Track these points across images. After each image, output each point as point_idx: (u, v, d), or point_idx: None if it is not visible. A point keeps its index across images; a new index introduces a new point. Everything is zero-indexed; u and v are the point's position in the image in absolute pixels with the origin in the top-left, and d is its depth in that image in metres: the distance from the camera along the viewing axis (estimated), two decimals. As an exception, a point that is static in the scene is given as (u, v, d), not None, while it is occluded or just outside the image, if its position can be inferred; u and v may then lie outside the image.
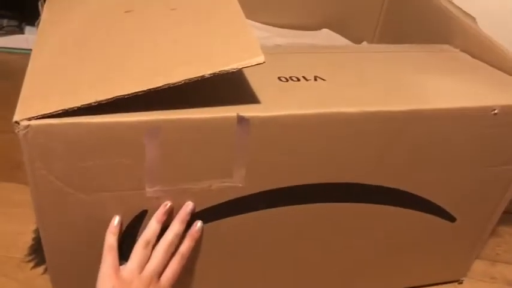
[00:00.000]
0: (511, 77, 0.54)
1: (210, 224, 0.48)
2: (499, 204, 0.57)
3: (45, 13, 0.52)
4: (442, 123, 0.47)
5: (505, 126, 0.49)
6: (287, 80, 0.48)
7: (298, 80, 0.49)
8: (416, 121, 0.46)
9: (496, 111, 0.47)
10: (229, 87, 0.44)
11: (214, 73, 0.37)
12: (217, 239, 0.49)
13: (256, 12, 0.79)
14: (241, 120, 0.41)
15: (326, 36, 0.82)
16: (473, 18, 0.64)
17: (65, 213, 0.44)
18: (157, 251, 0.44)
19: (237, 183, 0.45)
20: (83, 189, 0.42)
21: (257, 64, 0.38)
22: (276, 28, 0.81)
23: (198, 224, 0.47)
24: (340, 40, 0.82)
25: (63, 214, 0.44)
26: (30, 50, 0.45)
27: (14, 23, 1.05)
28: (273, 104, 0.43)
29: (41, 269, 0.62)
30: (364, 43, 0.84)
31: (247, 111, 0.41)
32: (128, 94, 0.37)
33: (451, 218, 0.56)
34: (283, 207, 0.49)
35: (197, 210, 0.46)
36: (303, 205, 0.49)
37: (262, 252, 0.53)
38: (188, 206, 0.45)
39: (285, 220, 0.50)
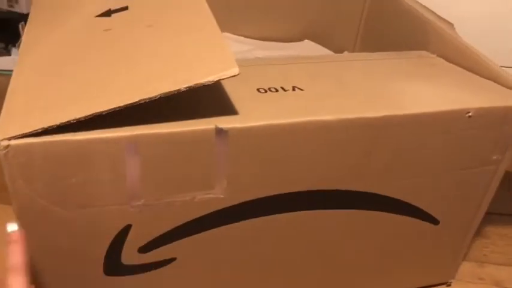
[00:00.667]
0: (486, 80, 0.55)
1: (194, 236, 0.48)
2: (481, 204, 0.58)
3: (26, 34, 0.53)
4: (417, 128, 0.48)
5: (480, 128, 0.50)
6: (265, 91, 0.49)
7: (277, 90, 0.50)
8: (392, 127, 0.47)
9: (470, 114, 0.48)
10: (207, 100, 0.45)
11: (190, 86, 0.38)
12: (201, 251, 0.50)
13: (237, 25, 0.80)
14: (219, 132, 0.42)
15: (307, 47, 0.83)
16: (451, 24, 0.65)
17: (50, 231, 0.44)
18: None
19: (219, 194, 0.46)
20: (66, 206, 0.43)
21: (232, 76, 0.39)
22: (257, 41, 0.82)
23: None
24: (321, 50, 0.83)
25: (48, 232, 0.44)
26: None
27: (0, 45, 1.06)
28: (251, 114, 0.44)
29: (30, 288, 0.62)
30: (345, 52, 0.85)
31: (225, 122, 0.42)
32: (106, 110, 0.38)
33: (434, 221, 0.57)
34: (266, 217, 0.49)
35: (180, 223, 0.47)
36: (285, 213, 0.50)
37: (248, 262, 0.53)
38: None
39: (269, 229, 0.51)
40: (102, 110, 0.38)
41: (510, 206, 0.83)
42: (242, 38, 0.82)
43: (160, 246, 0.48)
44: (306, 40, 0.85)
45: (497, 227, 0.79)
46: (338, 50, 0.85)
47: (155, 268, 0.49)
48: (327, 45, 0.85)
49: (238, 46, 0.79)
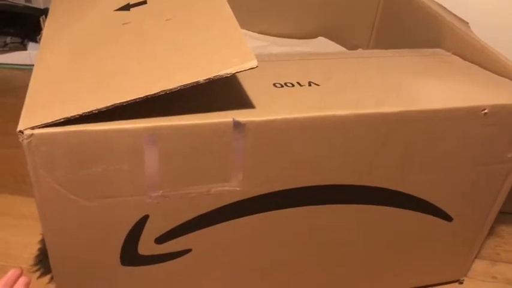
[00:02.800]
0: (502, 77, 0.55)
1: (209, 228, 0.49)
2: (495, 202, 0.58)
3: (47, 27, 0.54)
4: (433, 124, 0.48)
5: (496, 125, 0.50)
6: (282, 86, 0.50)
7: (293, 85, 0.50)
8: (407, 122, 0.47)
9: (486, 111, 0.48)
10: (225, 94, 0.45)
11: (209, 78, 0.38)
12: (216, 243, 0.50)
13: (252, 21, 0.81)
14: (237, 124, 0.42)
15: (322, 44, 0.84)
16: (466, 23, 0.65)
17: (69, 220, 0.45)
18: None
19: (235, 187, 0.46)
20: (86, 195, 0.43)
21: (250, 68, 0.39)
22: (273, 37, 0.83)
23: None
24: (335, 47, 0.83)
25: (67, 221, 0.45)
26: (33, 65, 0.47)
27: (17, 39, 1.07)
28: (268, 108, 0.45)
29: (46, 278, 0.63)
30: (360, 50, 0.85)
31: (243, 116, 0.43)
32: (127, 101, 0.38)
33: (448, 218, 0.57)
34: (279, 210, 0.50)
35: (196, 214, 0.47)
36: (299, 208, 0.50)
37: (261, 255, 0.54)
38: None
39: (282, 223, 0.51)
40: (123, 100, 0.38)
41: (524, 205, 0.83)
42: (257, 35, 0.82)
43: (177, 237, 0.49)
44: (320, 37, 0.86)
45: (510, 226, 0.79)
46: (352, 48, 0.85)
47: (171, 259, 0.50)
48: (341, 43, 0.85)
49: (253, 42, 0.80)
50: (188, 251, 0.50)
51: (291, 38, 0.84)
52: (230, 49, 0.42)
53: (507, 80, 0.54)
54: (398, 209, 0.54)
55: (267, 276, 0.57)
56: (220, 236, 0.50)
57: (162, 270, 0.51)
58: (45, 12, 1.01)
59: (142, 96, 0.38)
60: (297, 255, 0.56)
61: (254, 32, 0.82)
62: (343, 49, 0.84)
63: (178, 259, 0.50)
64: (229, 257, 0.53)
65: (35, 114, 0.40)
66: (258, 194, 0.48)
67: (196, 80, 0.38)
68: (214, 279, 0.54)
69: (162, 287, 0.54)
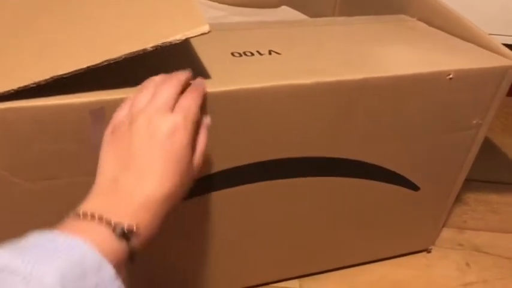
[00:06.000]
0: (467, 42, 0.54)
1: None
2: (461, 170, 0.57)
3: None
4: (396, 91, 0.46)
5: (461, 91, 0.49)
6: (240, 55, 0.47)
7: (252, 54, 0.48)
8: (370, 90, 0.45)
9: (451, 76, 0.47)
10: (178, 63, 0.42)
11: (157, 46, 0.35)
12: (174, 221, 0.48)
13: (211, -10, 0.77)
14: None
15: (285, 13, 0.81)
16: None
17: (14, 205, 0.42)
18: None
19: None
20: (30, 177, 0.40)
21: (202, 34, 0.36)
22: (232, 7, 0.79)
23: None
24: (299, 17, 0.81)
25: (12, 206, 0.42)
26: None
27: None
28: (224, 78, 0.42)
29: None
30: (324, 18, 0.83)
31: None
32: (67, 73, 0.35)
33: (414, 187, 0.56)
34: (242, 186, 0.48)
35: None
36: (264, 182, 0.48)
37: (224, 234, 0.52)
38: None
39: (247, 198, 0.49)
40: (62, 72, 0.35)
41: (489, 172, 0.84)
42: (216, 4, 0.79)
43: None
44: (283, 6, 0.83)
45: (476, 194, 0.80)
46: (316, 16, 0.83)
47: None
48: (304, 12, 0.83)
49: (212, 12, 0.76)
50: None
51: (252, 7, 0.81)
52: (180, 14, 0.39)
53: (472, 45, 0.54)
54: (363, 180, 0.53)
55: (233, 248, 0.55)
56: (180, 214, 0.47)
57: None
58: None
59: (84, 67, 0.35)
60: (265, 228, 0.54)
61: (213, 1, 0.79)
62: (308, 18, 0.81)
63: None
64: (191, 237, 0.51)
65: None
66: (218, 170, 0.46)
67: (143, 48, 0.35)
68: (175, 257, 0.53)
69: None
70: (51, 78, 0.35)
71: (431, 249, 0.68)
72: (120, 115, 0.36)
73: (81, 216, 0.30)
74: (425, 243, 0.67)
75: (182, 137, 0.33)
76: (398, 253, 0.65)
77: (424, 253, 0.67)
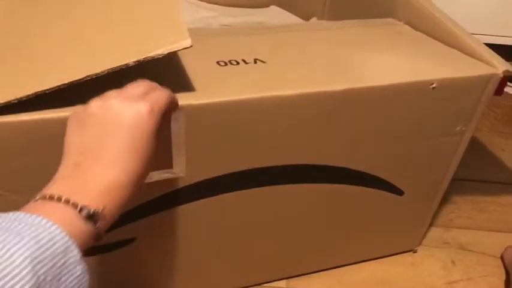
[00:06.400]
0: (451, 49, 0.54)
1: (154, 216, 0.47)
2: (445, 175, 0.58)
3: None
4: (380, 101, 0.47)
5: (444, 99, 0.49)
6: (226, 64, 0.47)
7: (238, 63, 0.48)
8: (354, 100, 0.46)
9: (434, 85, 0.47)
10: (163, 75, 0.42)
11: (139, 61, 0.36)
12: (161, 230, 0.49)
13: (200, -9, 0.77)
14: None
15: (274, 14, 0.81)
16: None
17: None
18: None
19: (179, 173, 0.44)
20: (16, 190, 0.40)
21: (184, 48, 0.36)
22: (222, 7, 0.79)
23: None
24: (288, 17, 0.81)
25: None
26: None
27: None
28: (208, 90, 0.42)
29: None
30: (314, 19, 0.82)
31: (181, 99, 0.40)
32: (50, 89, 0.35)
33: (399, 192, 0.57)
34: (227, 194, 0.48)
35: (140, 203, 0.45)
36: (249, 190, 0.49)
37: (211, 240, 0.53)
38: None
39: (232, 206, 0.50)
40: (45, 88, 0.35)
41: (476, 171, 0.85)
42: (206, 4, 0.79)
43: (120, 226, 0.46)
44: (273, 6, 0.82)
45: (463, 193, 0.80)
46: (306, 17, 0.82)
47: (115, 249, 0.48)
48: (294, 12, 0.82)
49: (202, 12, 0.76)
50: (132, 239, 0.48)
51: (241, 7, 0.81)
52: (163, 27, 0.39)
53: (456, 51, 0.54)
54: (347, 186, 0.53)
55: (220, 253, 0.56)
56: (165, 223, 0.48)
57: (105, 261, 0.49)
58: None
59: (66, 82, 0.35)
60: (251, 234, 0.55)
61: (203, 1, 0.79)
62: (296, 18, 0.81)
63: (123, 248, 0.48)
64: (175, 244, 0.51)
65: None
66: (204, 178, 0.46)
67: (125, 63, 0.36)
68: (159, 266, 0.53)
69: (107, 276, 0.52)
70: (34, 94, 0.35)
71: (416, 249, 0.69)
72: (90, 105, 0.35)
73: (48, 198, 0.30)
74: (410, 245, 0.68)
75: (147, 126, 0.33)
76: (384, 254, 0.66)
77: (410, 253, 0.68)
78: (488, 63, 0.50)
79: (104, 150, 0.32)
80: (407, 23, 0.61)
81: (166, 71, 0.43)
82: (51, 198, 0.30)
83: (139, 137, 0.33)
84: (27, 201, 0.41)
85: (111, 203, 0.32)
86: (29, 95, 0.35)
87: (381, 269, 0.65)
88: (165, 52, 0.36)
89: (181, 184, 0.45)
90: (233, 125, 0.43)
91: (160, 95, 0.35)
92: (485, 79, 0.49)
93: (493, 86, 0.50)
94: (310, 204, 0.54)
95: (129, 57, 0.36)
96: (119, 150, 0.32)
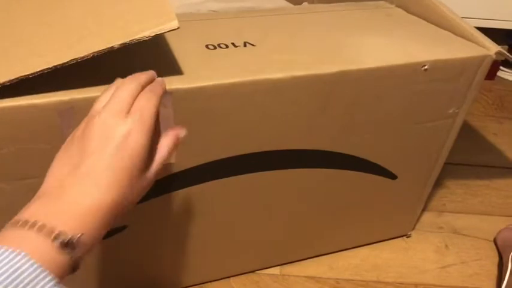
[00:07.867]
0: (444, 31, 0.54)
1: (142, 204, 0.46)
2: (438, 159, 0.58)
3: None
4: (373, 83, 0.46)
5: (437, 81, 0.49)
6: (215, 48, 0.46)
7: (227, 46, 0.47)
8: (346, 82, 0.45)
9: (426, 67, 0.47)
10: (150, 59, 0.42)
11: (125, 43, 0.35)
12: (152, 218, 0.48)
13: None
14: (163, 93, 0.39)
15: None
16: None
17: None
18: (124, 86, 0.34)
19: (168, 160, 0.44)
20: (3, 178, 0.40)
21: (171, 30, 0.36)
22: (212, -8, 0.78)
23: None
24: (279, 2, 0.80)
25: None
26: None
27: None
28: (197, 74, 0.41)
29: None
30: (305, 4, 0.81)
31: (169, 83, 0.39)
32: (33, 73, 0.34)
33: (392, 176, 0.57)
34: (217, 180, 0.48)
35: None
36: (240, 176, 0.48)
37: (203, 227, 0.52)
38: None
39: (223, 193, 0.49)
40: (28, 73, 0.34)
41: (469, 155, 0.85)
42: (195, -10, 0.77)
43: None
44: (263, -9, 0.81)
45: (456, 177, 0.80)
46: (297, 1, 0.81)
47: (106, 237, 0.47)
48: (285, -3, 0.81)
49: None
50: (123, 227, 0.48)
51: (231, -7, 0.79)
52: (149, 9, 0.38)
53: (448, 33, 0.53)
54: (341, 171, 0.53)
55: (207, 247, 0.55)
56: (155, 211, 0.47)
57: (97, 249, 0.48)
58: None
59: (50, 66, 0.34)
60: (240, 221, 0.54)
61: (192, -13, 0.77)
62: (287, 3, 0.80)
63: (114, 236, 0.48)
64: (166, 232, 0.51)
65: None
66: (194, 165, 0.45)
67: (110, 46, 0.35)
68: (150, 254, 0.53)
69: (98, 265, 0.51)
70: (17, 78, 0.34)
71: (410, 234, 0.69)
72: (81, 124, 0.34)
73: (21, 224, 0.29)
74: (404, 230, 0.68)
75: (136, 142, 0.32)
76: (377, 240, 0.66)
77: (404, 238, 0.68)
78: (480, 45, 0.50)
79: (89, 169, 0.31)
80: (399, 5, 0.60)
81: (154, 55, 0.42)
82: (24, 224, 0.29)
83: (128, 156, 0.32)
84: (15, 190, 0.41)
85: (92, 227, 0.30)
86: (11, 80, 0.34)
87: (373, 254, 0.65)
88: (152, 34, 0.35)
89: (172, 171, 0.45)
90: (223, 109, 0.43)
91: (146, 100, 0.34)
92: (478, 60, 0.49)
93: (485, 68, 0.50)
94: (302, 189, 0.54)
95: (114, 40, 0.35)
96: (104, 170, 0.31)
